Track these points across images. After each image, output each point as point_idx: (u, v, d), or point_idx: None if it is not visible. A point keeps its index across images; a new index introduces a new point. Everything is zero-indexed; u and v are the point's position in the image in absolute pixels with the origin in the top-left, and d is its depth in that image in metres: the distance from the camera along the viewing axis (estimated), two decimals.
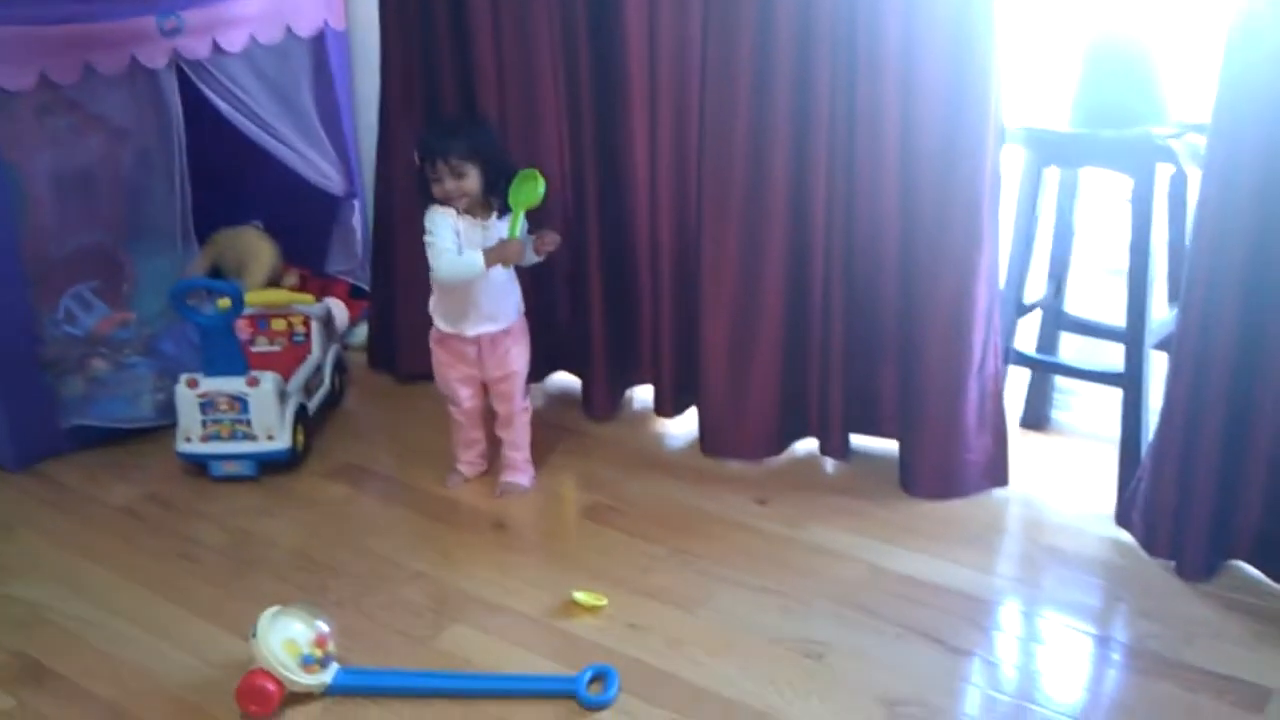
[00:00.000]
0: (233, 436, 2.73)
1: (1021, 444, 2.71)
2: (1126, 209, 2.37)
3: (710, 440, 2.81)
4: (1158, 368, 2.37)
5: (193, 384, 2.70)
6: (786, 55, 2.46)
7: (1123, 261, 2.40)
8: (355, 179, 3.49)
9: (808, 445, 2.81)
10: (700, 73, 2.57)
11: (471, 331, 2.57)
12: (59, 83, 2.72)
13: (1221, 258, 2.10)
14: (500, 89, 2.88)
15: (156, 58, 2.86)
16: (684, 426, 2.94)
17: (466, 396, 2.67)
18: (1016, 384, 2.79)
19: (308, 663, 2.00)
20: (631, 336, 2.97)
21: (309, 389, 2.95)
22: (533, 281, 2.75)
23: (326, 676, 2.03)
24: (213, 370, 2.71)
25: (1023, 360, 2.68)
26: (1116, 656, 2.11)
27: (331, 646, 2.05)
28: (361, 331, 3.46)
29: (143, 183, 3.05)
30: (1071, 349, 2.83)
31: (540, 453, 2.78)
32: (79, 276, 3.03)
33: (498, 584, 2.35)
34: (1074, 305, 2.78)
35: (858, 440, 2.77)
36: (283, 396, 2.76)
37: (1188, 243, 2.20)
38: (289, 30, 3.18)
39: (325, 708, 2.02)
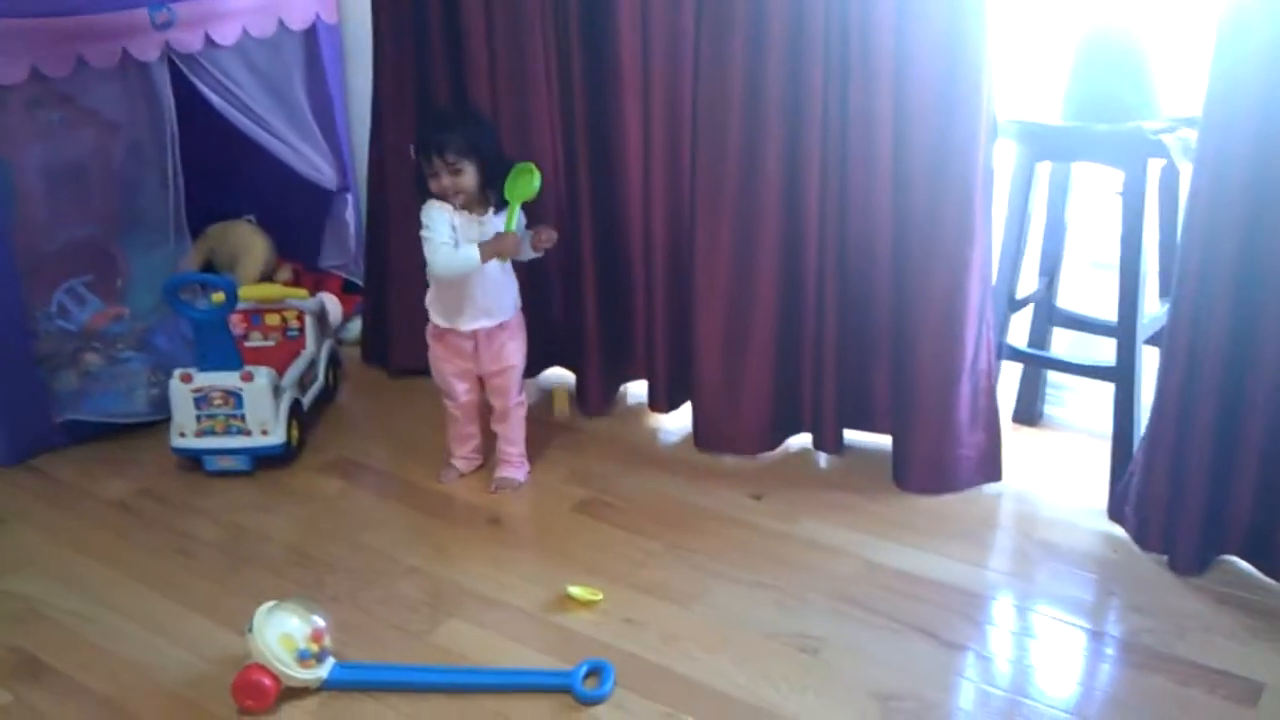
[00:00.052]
0: (227, 431, 2.73)
1: (1014, 439, 2.73)
2: (1118, 204, 2.38)
3: (704, 435, 2.81)
4: (1149, 362, 2.38)
5: (187, 379, 2.70)
6: (779, 49, 2.46)
7: (1114, 256, 2.41)
8: (348, 173, 3.49)
9: (801, 440, 2.81)
10: (693, 67, 2.57)
11: (467, 326, 2.57)
12: (50, 76, 2.72)
13: (1213, 250, 2.10)
14: (492, 81, 2.87)
15: (148, 51, 2.86)
16: (678, 422, 2.95)
17: (462, 391, 2.67)
18: (1009, 379, 2.80)
19: (304, 658, 2.01)
20: (625, 332, 2.98)
21: (303, 384, 2.95)
22: (527, 276, 2.75)
23: (323, 671, 2.04)
24: (207, 365, 2.70)
25: (1015, 355, 2.69)
26: (1109, 651, 2.12)
27: (327, 641, 2.05)
28: (355, 326, 3.46)
29: (135, 177, 3.05)
30: (1063, 344, 2.84)
31: (535, 448, 2.78)
32: (72, 271, 3.02)
33: (493, 579, 2.36)
34: (1066, 300, 2.79)
35: (851, 435, 2.77)
36: (277, 391, 2.76)
37: (1179, 237, 2.21)
38: (281, 23, 3.18)
39: (321, 702, 2.03)
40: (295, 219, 3.49)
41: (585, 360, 2.98)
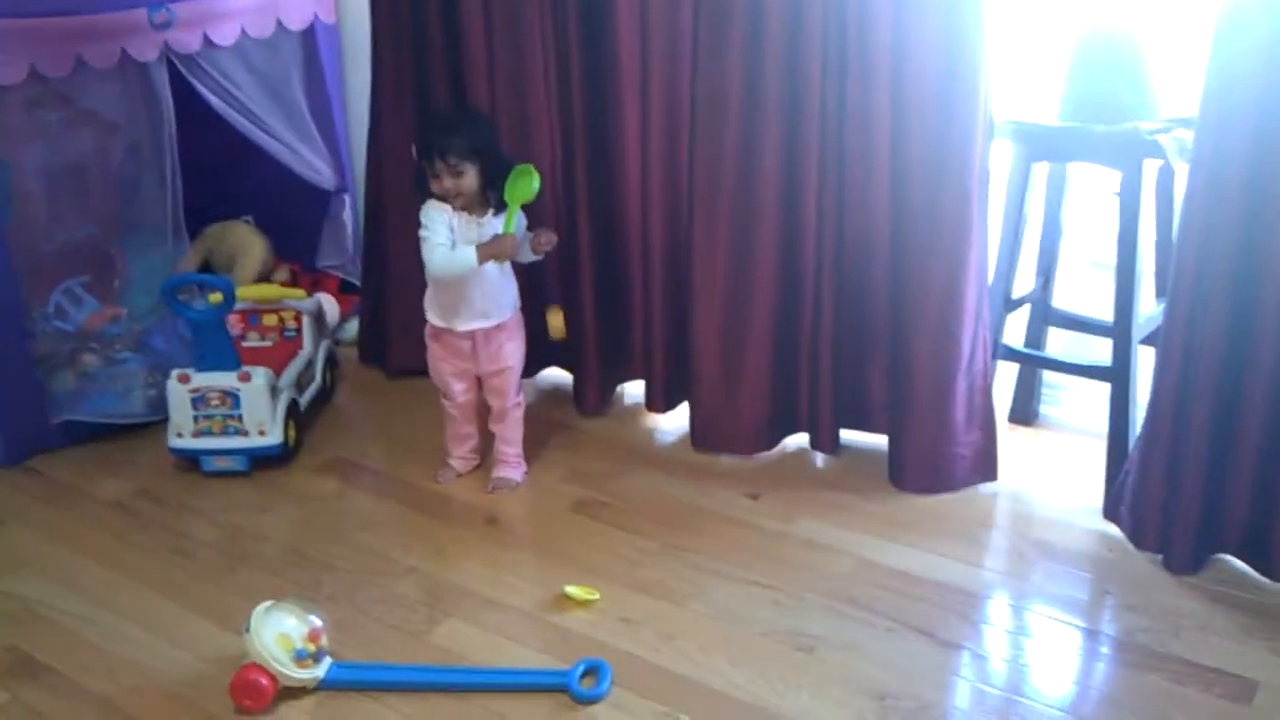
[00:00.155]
0: (224, 432, 2.73)
1: (1010, 438, 2.74)
2: (1114, 204, 2.38)
3: (701, 435, 2.82)
4: (1145, 362, 2.38)
5: (184, 379, 2.70)
6: (777, 48, 2.46)
7: (1110, 256, 2.42)
8: (346, 173, 3.49)
9: (798, 440, 2.82)
10: (691, 65, 2.57)
11: (464, 327, 2.57)
12: (49, 76, 2.72)
13: (1209, 250, 2.10)
14: (491, 81, 2.88)
15: (147, 51, 2.86)
16: (675, 421, 2.95)
17: (460, 391, 2.67)
18: (1005, 379, 2.80)
19: (301, 657, 2.01)
20: (623, 332, 2.98)
21: (300, 384, 2.95)
22: (525, 277, 2.75)
23: (320, 671, 2.04)
24: (204, 365, 2.71)
25: (1011, 355, 2.70)
26: (1105, 649, 2.12)
27: (325, 641, 2.05)
28: (352, 326, 3.46)
29: (133, 177, 3.05)
30: (1059, 344, 2.84)
31: (532, 448, 2.78)
32: (70, 271, 3.02)
33: (490, 579, 2.36)
34: (1062, 300, 2.79)
35: (848, 435, 2.78)
36: (274, 392, 2.76)
37: (1174, 236, 2.21)
38: (279, 24, 3.18)
39: (319, 702, 2.03)
40: (293, 219, 3.49)
41: (582, 360, 2.98)
